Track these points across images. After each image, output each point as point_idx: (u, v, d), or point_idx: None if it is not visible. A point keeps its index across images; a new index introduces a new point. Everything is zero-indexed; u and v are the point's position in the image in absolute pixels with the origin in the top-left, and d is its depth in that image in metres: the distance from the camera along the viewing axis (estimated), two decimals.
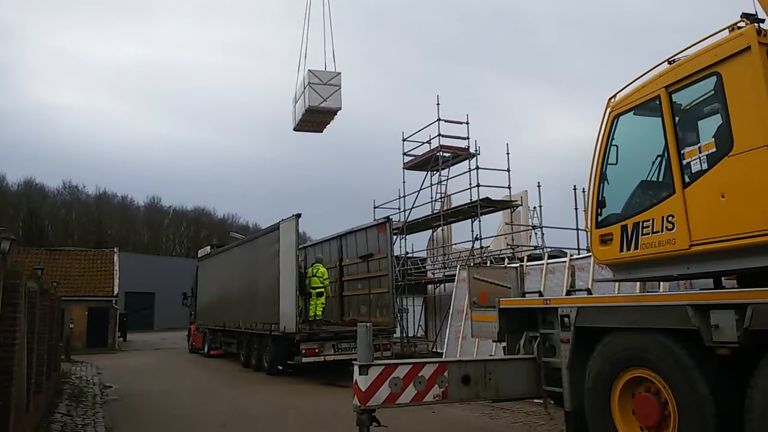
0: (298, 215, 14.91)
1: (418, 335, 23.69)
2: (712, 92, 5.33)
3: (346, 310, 19.14)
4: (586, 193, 7.11)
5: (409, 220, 21.86)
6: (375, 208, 23.53)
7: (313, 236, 32.76)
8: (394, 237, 18.90)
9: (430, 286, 22.60)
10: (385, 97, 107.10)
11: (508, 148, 19.72)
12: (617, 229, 6.23)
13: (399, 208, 22.35)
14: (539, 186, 19.73)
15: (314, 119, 17.99)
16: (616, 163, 6.41)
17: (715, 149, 5.24)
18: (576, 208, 18.02)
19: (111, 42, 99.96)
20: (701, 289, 6.18)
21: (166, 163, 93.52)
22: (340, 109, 17.48)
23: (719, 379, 4.91)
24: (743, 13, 5.03)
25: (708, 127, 5.45)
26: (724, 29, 5.18)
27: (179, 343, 29.30)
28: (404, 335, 21.22)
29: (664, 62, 5.80)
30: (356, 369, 6.28)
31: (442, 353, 16.30)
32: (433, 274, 21.87)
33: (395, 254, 18.60)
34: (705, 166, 5.30)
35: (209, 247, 26.29)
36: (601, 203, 6.56)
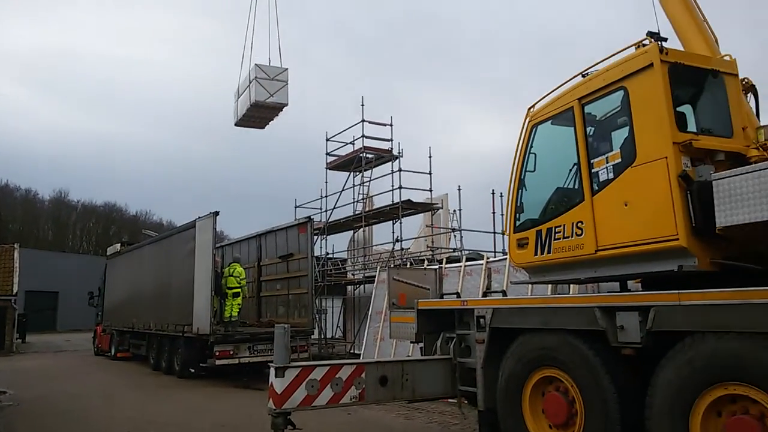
0: (216, 213, 14.49)
1: (337, 337, 23.59)
2: (620, 105, 5.61)
3: (264, 311, 18.80)
4: (505, 197, 7.33)
5: (330, 220, 21.74)
6: (296, 207, 23.34)
7: (231, 235, 32.03)
8: (315, 237, 18.75)
9: (349, 287, 22.58)
10: (310, 95, 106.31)
11: (430, 152, 20.07)
12: (533, 234, 6.44)
13: (321, 208, 22.25)
14: (459, 190, 20.25)
15: (259, 114, 17.87)
16: (534, 171, 6.64)
17: (620, 160, 5.51)
18: (494, 212, 18.57)
19: (13, 26, 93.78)
20: (609, 292, 6.48)
21: (75, 156, 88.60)
22: (286, 105, 17.41)
23: (623, 378, 5.15)
24: (648, 31, 5.32)
25: (615, 138, 5.73)
26: (631, 46, 5.47)
27: (84, 345, 27.76)
28: (322, 337, 21.09)
29: (578, 75, 6.04)
30: (272, 371, 6.14)
31: (360, 355, 16.29)
32: (353, 275, 21.88)
33: (315, 255, 18.46)
34: (611, 175, 5.56)
35: (119, 244, 25.15)
36: (519, 209, 6.77)
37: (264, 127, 18.95)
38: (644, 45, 5.34)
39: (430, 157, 19.89)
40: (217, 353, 14.19)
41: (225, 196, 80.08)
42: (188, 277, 15.15)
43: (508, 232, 6.96)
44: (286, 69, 17.34)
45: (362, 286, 21.01)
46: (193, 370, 15.23)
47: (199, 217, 15.22)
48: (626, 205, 5.37)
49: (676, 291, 4.62)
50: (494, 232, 18.41)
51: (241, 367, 14.61)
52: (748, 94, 6.13)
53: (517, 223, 6.76)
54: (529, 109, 6.67)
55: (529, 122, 6.66)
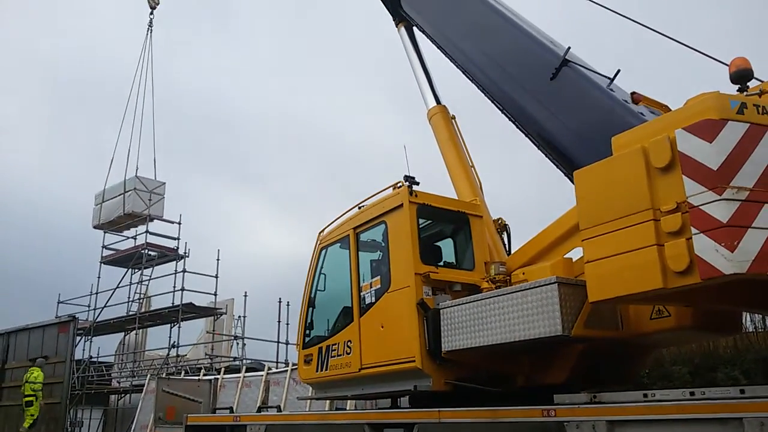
0: None
1: None
2: (382, 237, 6.20)
3: (3, 424, 16.00)
4: (291, 307, 7.50)
5: (99, 319, 19.95)
6: (59, 303, 21.08)
7: None
8: (79, 338, 16.93)
9: (113, 397, 20.42)
10: (89, 180, 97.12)
11: (219, 254, 19.72)
12: (316, 351, 6.63)
13: (89, 306, 20.48)
14: (246, 296, 19.91)
15: (126, 222, 19.83)
16: (324, 290, 6.93)
17: (380, 286, 6.02)
18: (279, 321, 18.47)
19: None
20: (379, 409, 6.77)
21: None
22: (160, 218, 19.57)
23: None
24: (405, 175, 6.00)
25: (380, 266, 6.26)
26: (389, 187, 6.15)
27: None
28: None
29: (355, 207, 6.61)
30: None
31: None
32: (119, 382, 19.94)
33: (77, 358, 16.55)
34: (373, 299, 6.03)
35: None
36: (309, 326, 7.00)
37: (122, 231, 20.70)
38: (399, 187, 6.02)
39: (218, 260, 19.60)
40: None
41: None
42: None
43: (298, 348, 7.06)
44: (164, 183, 19.55)
45: (128, 395, 19.13)
46: None
47: None
48: (382, 328, 5.82)
49: (437, 409, 5.04)
50: (278, 342, 18.27)
51: None
52: (503, 233, 7.09)
53: (306, 339, 6.95)
54: (320, 233, 7.06)
55: (319, 245, 7.02)
